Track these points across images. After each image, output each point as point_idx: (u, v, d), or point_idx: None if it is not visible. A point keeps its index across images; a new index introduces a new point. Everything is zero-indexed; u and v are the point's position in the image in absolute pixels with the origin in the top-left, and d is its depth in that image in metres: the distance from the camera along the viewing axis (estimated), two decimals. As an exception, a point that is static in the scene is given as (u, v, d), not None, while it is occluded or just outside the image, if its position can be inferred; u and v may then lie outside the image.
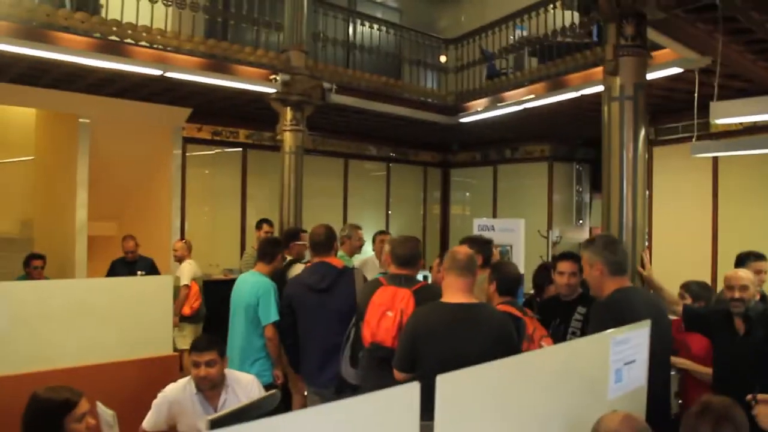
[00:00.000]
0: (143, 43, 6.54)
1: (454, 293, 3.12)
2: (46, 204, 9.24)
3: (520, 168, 11.08)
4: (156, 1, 6.68)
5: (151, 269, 7.83)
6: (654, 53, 5.92)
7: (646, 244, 3.97)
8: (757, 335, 3.51)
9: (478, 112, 8.64)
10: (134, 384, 3.98)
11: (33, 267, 6.86)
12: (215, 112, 8.88)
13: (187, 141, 9.00)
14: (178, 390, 3.50)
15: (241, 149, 9.63)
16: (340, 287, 4.45)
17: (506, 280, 3.65)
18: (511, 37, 8.59)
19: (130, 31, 6.45)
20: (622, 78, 3.86)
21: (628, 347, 2.38)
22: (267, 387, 4.64)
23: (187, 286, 7.25)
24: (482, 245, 4.19)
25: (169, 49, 6.70)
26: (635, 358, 2.44)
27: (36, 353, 3.80)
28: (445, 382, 1.62)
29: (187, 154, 8.99)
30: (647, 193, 8.65)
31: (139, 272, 7.68)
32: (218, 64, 7.02)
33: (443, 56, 9.88)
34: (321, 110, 8.27)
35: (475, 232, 7.56)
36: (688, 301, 4.13)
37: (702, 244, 7.94)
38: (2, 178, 9.75)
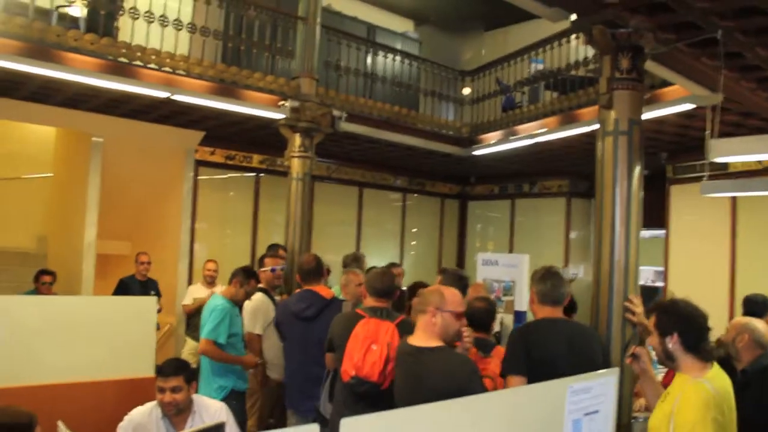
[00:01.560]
0: (152, 65, 6.57)
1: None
2: (60, 221, 9.32)
3: (538, 203, 10.90)
4: (167, 25, 6.72)
5: (158, 291, 7.86)
6: (664, 90, 5.80)
7: (639, 286, 3.76)
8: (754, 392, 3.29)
9: (492, 144, 8.51)
10: (111, 405, 3.91)
11: (42, 282, 6.91)
12: (228, 136, 8.89)
13: (200, 164, 9.01)
14: (144, 414, 3.42)
15: (254, 174, 9.60)
16: (326, 317, 4.34)
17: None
18: (528, 70, 8.49)
19: (139, 54, 6.48)
20: (616, 112, 3.72)
21: (588, 396, 2.21)
22: (240, 393, 4.63)
23: None
24: (456, 279, 4.10)
25: (178, 72, 6.72)
26: (598, 409, 2.27)
27: (12, 369, 3.77)
28: (350, 426, 1.48)
29: (199, 176, 8.99)
30: (665, 232, 8.47)
31: (151, 292, 7.75)
32: (227, 89, 7.01)
33: (467, 88, 9.80)
34: (333, 138, 8.24)
35: (479, 266, 7.41)
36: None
37: (719, 285, 7.65)
38: (22, 193, 9.89)
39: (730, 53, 4.09)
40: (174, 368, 3.35)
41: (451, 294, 3.03)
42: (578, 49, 7.37)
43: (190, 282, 8.57)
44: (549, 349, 3.16)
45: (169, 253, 8.86)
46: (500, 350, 3.53)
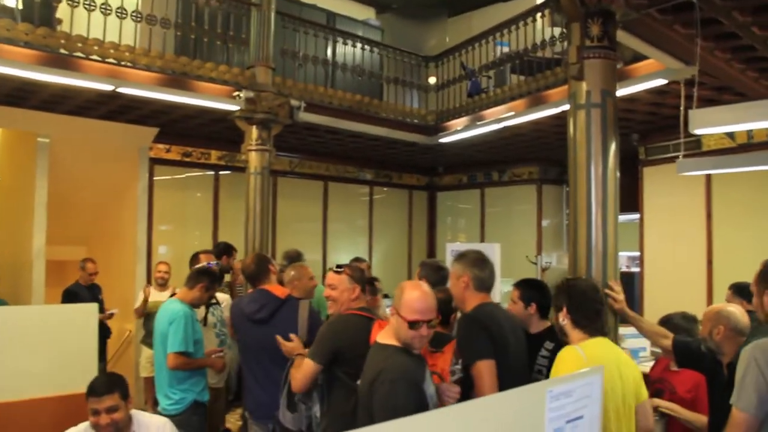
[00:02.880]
0: (95, 57, 6.14)
1: None
2: (7, 227, 8.82)
3: (508, 191, 10.66)
4: (109, 13, 6.30)
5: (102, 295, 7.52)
6: (636, 65, 5.55)
7: (620, 272, 3.48)
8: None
9: (458, 131, 8.22)
10: (49, 425, 3.58)
11: None
12: (184, 132, 8.47)
13: (156, 162, 8.58)
14: None
15: (213, 171, 9.20)
16: (281, 318, 4.00)
17: None
18: (494, 54, 8.20)
19: (80, 44, 6.05)
20: (588, 83, 3.42)
21: (570, 401, 1.91)
22: (202, 405, 4.28)
23: None
24: (434, 270, 3.83)
25: (123, 63, 6.31)
26: (582, 414, 1.97)
27: None
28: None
29: (155, 175, 8.57)
30: (639, 216, 8.25)
31: (99, 297, 7.39)
32: (177, 80, 6.62)
33: (432, 78, 9.48)
34: (292, 130, 7.90)
35: (448, 256, 7.12)
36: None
37: (696, 268, 7.44)
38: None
39: (705, 20, 3.83)
40: (105, 385, 2.98)
41: (409, 298, 2.61)
42: (544, 29, 7.11)
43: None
44: (503, 334, 3.10)
45: (126, 256, 8.45)
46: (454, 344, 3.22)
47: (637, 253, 8.33)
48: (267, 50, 7.14)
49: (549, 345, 3.48)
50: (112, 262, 8.29)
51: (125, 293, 8.02)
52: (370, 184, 11.19)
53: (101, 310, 7.36)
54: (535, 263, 9.40)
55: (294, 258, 6.03)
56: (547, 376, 3.46)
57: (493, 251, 6.97)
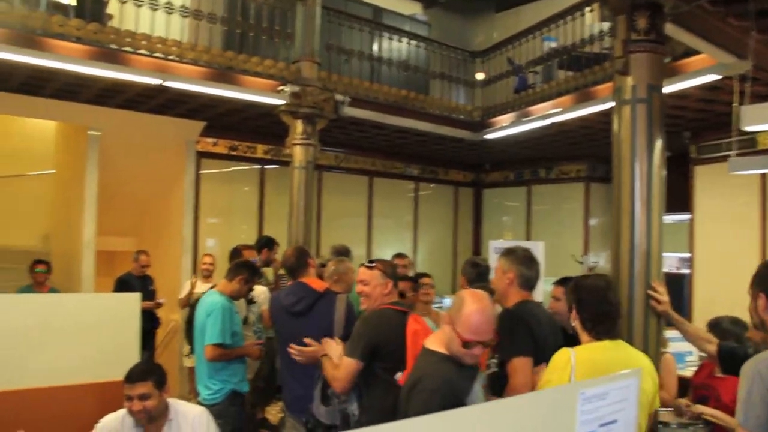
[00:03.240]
0: (143, 51, 6.26)
1: None
2: (61, 218, 9.11)
3: (555, 189, 10.48)
4: (157, 9, 6.41)
5: (154, 287, 7.66)
6: (686, 60, 5.39)
7: (663, 273, 3.37)
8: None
9: (504, 127, 8.11)
10: (90, 410, 3.64)
11: (36, 271, 6.89)
12: (230, 126, 8.58)
13: (203, 155, 8.71)
14: (116, 421, 3.15)
15: (259, 165, 9.29)
16: (318, 311, 4.00)
17: None
18: (541, 49, 8.07)
19: (128, 39, 6.18)
20: (633, 78, 3.32)
21: (604, 404, 1.84)
22: (240, 395, 4.27)
23: None
24: (470, 266, 3.81)
25: (170, 58, 6.41)
26: (616, 418, 1.90)
27: None
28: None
29: (202, 168, 8.69)
30: (690, 217, 8.02)
31: (150, 287, 7.55)
32: (223, 75, 6.70)
33: (480, 73, 9.38)
34: (338, 125, 7.91)
35: (491, 254, 7.03)
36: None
37: (749, 270, 7.12)
38: (25, 191, 9.70)
39: (760, 12, 3.68)
40: (140, 373, 3.03)
41: (467, 314, 2.47)
42: (592, 23, 6.96)
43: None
44: (544, 334, 3.03)
45: (173, 248, 8.60)
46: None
47: (687, 255, 8.09)
48: (312, 45, 7.15)
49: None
50: (160, 253, 8.44)
51: (171, 284, 8.16)
52: (416, 180, 11.15)
53: (152, 299, 7.53)
54: (582, 263, 9.23)
55: (342, 253, 6.01)
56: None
57: (536, 249, 6.84)
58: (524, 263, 3.14)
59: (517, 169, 10.99)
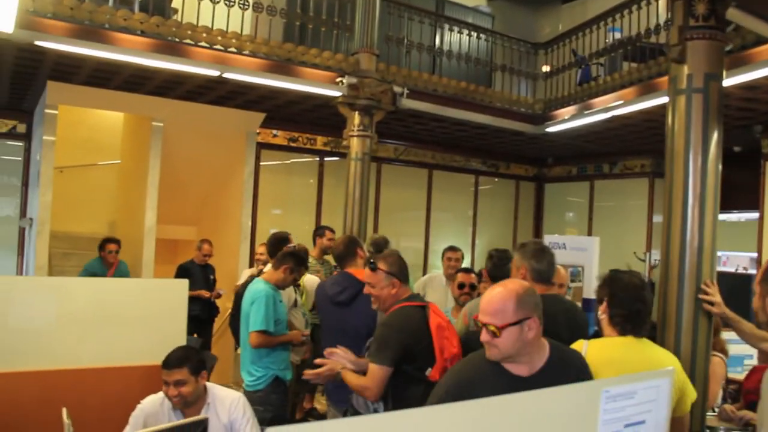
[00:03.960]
0: (203, 43, 6.39)
1: None
2: (126, 206, 9.42)
3: (619, 184, 10.17)
4: (218, 2, 6.52)
5: (214, 276, 7.80)
6: (757, 49, 5.13)
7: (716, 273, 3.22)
8: None
9: (564, 120, 7.92)
10: (137, 391, 3.73)
11: (108, 251, 7.18)
12: (290, 117, 8.67)
13: (263, 146, 8.84)
14: (155, 403, 3.23)
15: (318, 157, 9.36)
16: (362, 302, 3.98)
17: None
18: (606, 40, 7.82)
19: (189, 32, 6.32)
20: (689, 66, 3.18)
21: (631, 403, 1.77)
22: (282, 382, 4.33)
23: None
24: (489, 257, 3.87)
25: (230, 50, 6.52)
26: (644, 419, 1.82)
27: (33, 353, 3.71)
28: None
29: (261, 160, 8.83)
30: (759, 215, 7.64)
31: (211, 277, 7.71)
32: (281, 66, 6.77)
33: (546, 66, 9.19)
34: (397, 117, 7.92)
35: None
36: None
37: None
38: (93, 180, 10.09)
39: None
40: (176, 360, 3.09)
41: (481, 299, 2.39)
42: (658, 13, 6.70)
43: (251, 267, 8.43)
44: (555, 328, 2.86)
45: (232, 237, 8.76)
46: None
47: (756, 254, 7.72)
48: (371, 37, 7.16)
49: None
50: (219, 243, 8.60)
51: (230, 273, 8.31)
52: (476, 174, 11.02)
53: (212, 289, 7.70)
54: (644, 260, 8.94)
55: (381, 245, 5.99)
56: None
57: (591, 245, 6.69)
58: (534, 256, 3.12)
59: (580, 163, 10.73)
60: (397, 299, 3.25)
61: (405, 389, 3.12)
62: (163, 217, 8.17)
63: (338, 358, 3.31)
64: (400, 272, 3.28)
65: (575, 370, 2.33)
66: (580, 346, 2.58)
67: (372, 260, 3.33)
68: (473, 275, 4.84)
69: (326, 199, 9.34)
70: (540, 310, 2.25)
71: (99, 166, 10.20)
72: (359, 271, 4.17)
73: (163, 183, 8.01)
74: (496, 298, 2.24)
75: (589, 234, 10.14)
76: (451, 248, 6.30)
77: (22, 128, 8.91)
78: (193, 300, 7.29)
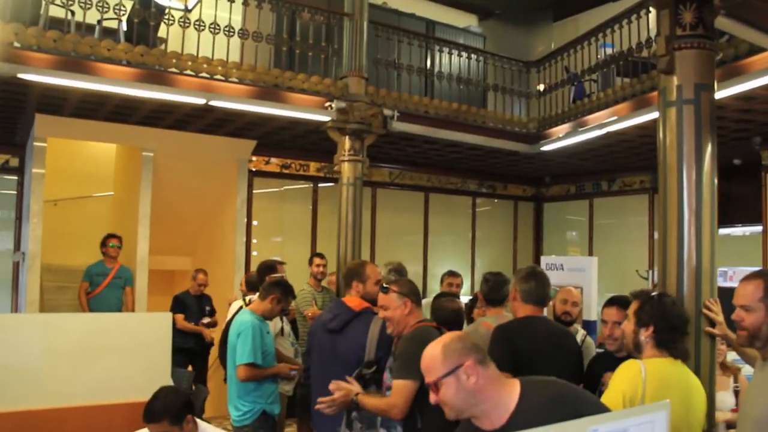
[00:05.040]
0: (188, 72, 6.31)
1: None
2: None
3: (619, 201, 10.02)
4: (203, 30, 6.45)
5: (212, 306, 7.65)
6: (751, 59, 5.03)
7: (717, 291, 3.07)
8: None
9: (559, 138, 7.81)
10: (122, 429, 3.63)
11: (110, 245, 7.35)
12: (281, 143, 8.56)
13: (255, 174, 8.74)
14: None
15: (311, 183, 9.25)
16: (352, 330, 3.85)
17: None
18: (598, 56, 7.73)
19: (174, 60, 6.24)
20: (679, 77, 3.05)
21: (623, 442, 1.61)
22: (270, 417, 4.23)
23: None
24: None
25: (216, 77, 6.44)
26: (639, 458, 1.66)
27: (17, 392, 3.64)
28: None
29: (254, 187, 8.72)
30: (762, 228, 7.49)
31: (207, 308, 7.55)
32: (269, 92, 6.68)
33: (541, 85, 9.10)
34: (390, 140, 7.83)
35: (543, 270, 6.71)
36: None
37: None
38: (87, 212, 9.96)
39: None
40: (155, 414, 2.96)
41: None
42: (649, 27, 6.61)
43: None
44: (532, 346, 3.05)
45: (226, 267, 8.63)
46: None
47: (759, 269, 7.55)
48: (360, 60, 7.09)
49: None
50: (216, 272, 8.47)
51: (225, 302, 8.15)
52: (474, 195, 10.89)
53: (211, 318, 7.54)
54: (646, 278, 8.76)
55: (399, 271, 5.81)
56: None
57: (589, 266, 6.54)
58: (523, 279, 3.31)
59: (579, 181, 10.59)
60: (409, 321, 3.27)
61: (431, 410, 3.05)
62: (157, 248, 8.05)
63: (351, 387, 3.28)
64: (411, 293, 3.29)
65: (569, 409, 1.89)
66: (635, 365, 2.57)
67: (384, 284, 3.38)
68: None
69: (321, 226, 9.21)
70: (480, 352, 2.04)
71: (93, 199, 10.08)
72: (351, 299, 4.05)
73: (157, 213, 7.89)
74: (426, 355, 2.07)
75: (590, 253, 9.97)
76: (451, 273, 6.17)
77: (14, 162, 8.80)
78: (186, 333, 7.21)
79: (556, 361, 2.98)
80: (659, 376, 2.52)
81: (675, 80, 3.06)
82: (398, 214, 10.11)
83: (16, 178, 8.83)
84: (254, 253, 8.68)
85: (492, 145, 8.34)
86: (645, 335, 2.66)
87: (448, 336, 2.14)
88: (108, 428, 3.71)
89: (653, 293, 2.84)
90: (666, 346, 2.63)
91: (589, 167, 9.75)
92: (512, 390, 2.02)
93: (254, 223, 8.71)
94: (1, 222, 8.92)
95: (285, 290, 4.38)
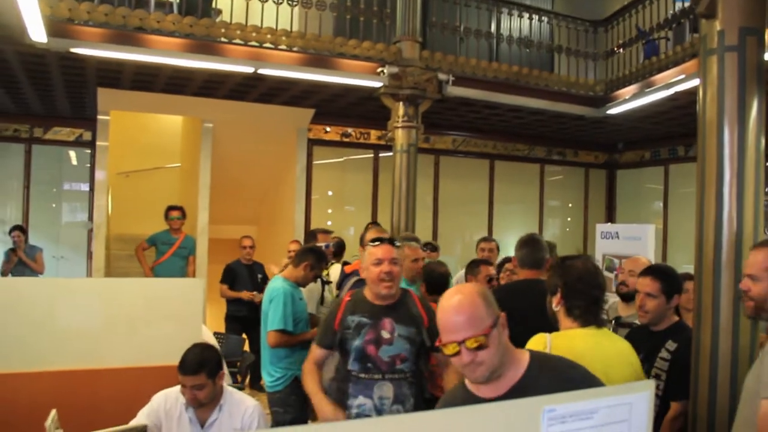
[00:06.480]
0: (237, 41, 6.28)
1: None
2: (185, 208, 9.50)
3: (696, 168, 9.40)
4: (266, 1, 6.41)
5: (264, 275, 7.66)
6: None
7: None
8: None
9: (625, 101, 7.36)
10: (150, 392, 3.66)
11: (171, 218, 7.40)
12: (339, 112, 8.47)
13: (315, 143, 8.71)
14: (172, 397, 3.15)
15: (372, 151, 9.14)
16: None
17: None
18: (670, 12, 7.20)
19: (223, 30, 6.23)
20: (721, 21, 2.74)
21: (588, 426, 1.43)
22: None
23: None
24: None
25: (265, 45, 6.39)
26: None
27: (43, 353, 3.69)
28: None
29: (314, 156, 8.70)
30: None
31: (258, 276, 7.59)
32: (319, 59, 6.59)
33: (611, 44, 8.60)
34: (449, 106, 7.64)
35: (597, 239, 6.39)
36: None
37: None
38: (157, 183, 10.24)
39: None
40: (194, 365, 2.95)
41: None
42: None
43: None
44: (521, 312, 2.62)
45: (287, 235, 8.67)
46: None
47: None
48: (413, 24, 6.89)
49: (671, 345, 2.92)
50: (277, 241, 8.54)
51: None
52: (542, 162, 10.52)
53: (260, 289, 7.58)
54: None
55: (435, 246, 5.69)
56: (666, 383, 2.90)
57: (645, 234, 6.16)
58: (518, 246, 3.46)
59: (653, 147, 10.02)
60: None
61: None
62: (221, 217, 8.17)
63: None
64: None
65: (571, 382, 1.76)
66: (543, 339, 2.32)
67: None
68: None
69: (381, 193, 9.11)
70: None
71: (162, 170, 10.35)
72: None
73: (219, 183, 7.99)
74: (465, 304, 1.79)
75: (665, 223, 9.45)
76: (485, 239, 5.95)
77: (87, 136, 9.10)
78: (240, 301, 7.26)
79: (543, 323, 2.70)
80: (566, 348, 2.22)
81: (717, 25, 2.75)
82: (462, 183, 9.89)
83: (89, 151, 9.14)
84: (322, 222, 8.66)
85: (555, 109, 7.97)
86: (555, 303, 2.43)
87: (472, 286, 1.93)
88: (138, 390, 3.75)
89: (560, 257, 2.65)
90: (575, 314, 2.36)
91: (663, 132, 9.20)
92: (522, 358, 1.88)
93: (314, 191, 8.70)
94: (78, 194, 9.26)
95: (318, 257, 4.32)
